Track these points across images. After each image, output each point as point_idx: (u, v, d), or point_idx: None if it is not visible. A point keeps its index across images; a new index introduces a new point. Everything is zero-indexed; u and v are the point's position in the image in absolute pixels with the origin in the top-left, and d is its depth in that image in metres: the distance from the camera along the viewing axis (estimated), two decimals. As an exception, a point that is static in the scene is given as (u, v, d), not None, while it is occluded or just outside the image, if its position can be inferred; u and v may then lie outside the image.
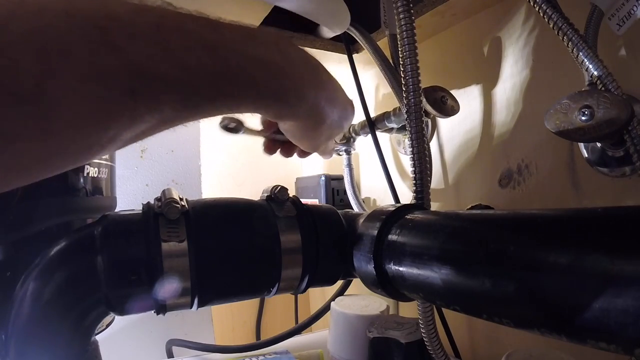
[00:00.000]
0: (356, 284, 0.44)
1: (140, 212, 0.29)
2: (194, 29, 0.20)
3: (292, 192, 0.36)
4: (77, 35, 0.16)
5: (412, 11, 0.36)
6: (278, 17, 0.54)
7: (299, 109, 0.26)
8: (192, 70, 0.19)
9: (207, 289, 0.29)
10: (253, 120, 0.37)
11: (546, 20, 0.34)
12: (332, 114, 0.29)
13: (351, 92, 0.82)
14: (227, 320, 0.93)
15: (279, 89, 0.23)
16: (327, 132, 0.30)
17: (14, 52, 0.14)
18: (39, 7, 0.15)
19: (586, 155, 0.42)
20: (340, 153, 0.76)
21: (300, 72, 0.25)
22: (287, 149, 0.39)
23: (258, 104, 0.23)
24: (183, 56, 0.19)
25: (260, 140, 0.39)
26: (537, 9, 0.34)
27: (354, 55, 0.63)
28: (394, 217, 0.30)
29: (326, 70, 0.28)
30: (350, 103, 0.33)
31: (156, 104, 0.19)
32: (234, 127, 0.35)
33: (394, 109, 0.58)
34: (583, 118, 0.32)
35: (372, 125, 0.59)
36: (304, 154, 0.38)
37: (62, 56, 0.15)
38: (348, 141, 0.74)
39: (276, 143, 0.38)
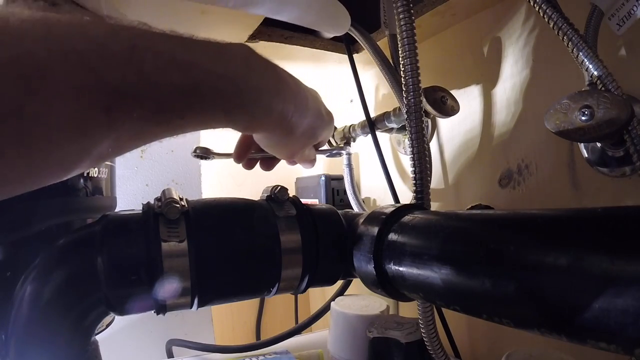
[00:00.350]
0: (356, 284, 0.44)
1: (140, 212, 0.29)
2: (167, 49, 0.21)
3: (292, 192, 0.36)
4: (55, 59, 0.17)
5: (412, 11, 0.36)
6: (278, 17, 0.54)
7: (266, 121, 0.27)
8: (164, 88, 0.20)
9: (207, 289, 0.29)
10: (228, 144, 0.40)
11: (546, 20, 0.34)
12: (303, 124, 0.30)
13: (351, 92, 0.83)
14: (227, 320, 0.93)
15: (244, 102, 0.25)
16: (300, 141, 0.32)
17: None
18: (19, 33, 0.16)
19: (586, 155, 0.42)
20: (342, 153, 0.76)
21: (267, 86, 0.26)
22: (267, 163, 0.41)
23: (228, 119, 0.25)
24: (155, 76, 0.20)
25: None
26: (537, 9, 0.34)
27: (354, 55, 0.63)
28: (394, 217, 0.30)
29: (297, 82, 0.30)
30: (327, 113, 0.34)
31: (130, 120, 0.20)
32: (202, 155, 0.39)
33: (394, 109, 0.58)
34: (583, 118, 0.32)
35: (372, 125, 0.59)
36: (290, 161, 0.40)
37: (42, 79, 0.17)
38: (348, 142, 0.74)
39: (254, 160, 0.40)
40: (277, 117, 0.27)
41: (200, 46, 0.23)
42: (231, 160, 0.40)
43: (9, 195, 0.19)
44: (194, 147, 0.39)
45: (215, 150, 0.40)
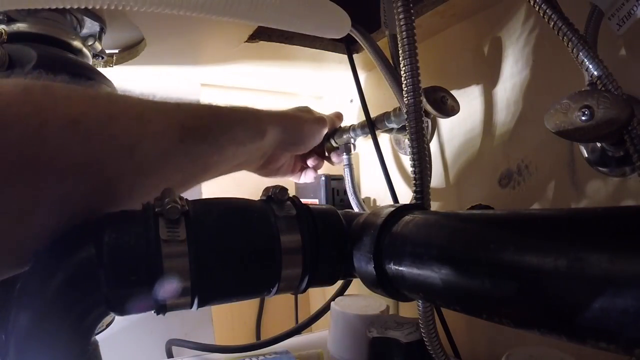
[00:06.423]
0: (356, 284, 0.44)
1: (140, 212, 0.29)
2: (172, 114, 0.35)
3: (292, 192, 0.36)
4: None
5: (412, 11, 0.36)
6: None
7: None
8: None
9: (207, 289, 0.29)
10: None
11: (546, 20, 0.34)
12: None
13: (351, 92, 0.83)
14: (227, 320, 0.93)
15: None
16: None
17: None
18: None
19: (586, 155, 0.42)
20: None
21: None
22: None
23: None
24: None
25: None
26: (537, 9, 0.34)
27: (354, 55, 0.63)
28: (394, 217, 0.30)
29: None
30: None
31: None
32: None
33: (394, 109, 0.58)
34: (583, 118, 0.32)
35: (372, 125, 0.59)
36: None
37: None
38: (348, 142, 0.74)
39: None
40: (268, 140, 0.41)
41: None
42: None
43: None
44: None
45: None
